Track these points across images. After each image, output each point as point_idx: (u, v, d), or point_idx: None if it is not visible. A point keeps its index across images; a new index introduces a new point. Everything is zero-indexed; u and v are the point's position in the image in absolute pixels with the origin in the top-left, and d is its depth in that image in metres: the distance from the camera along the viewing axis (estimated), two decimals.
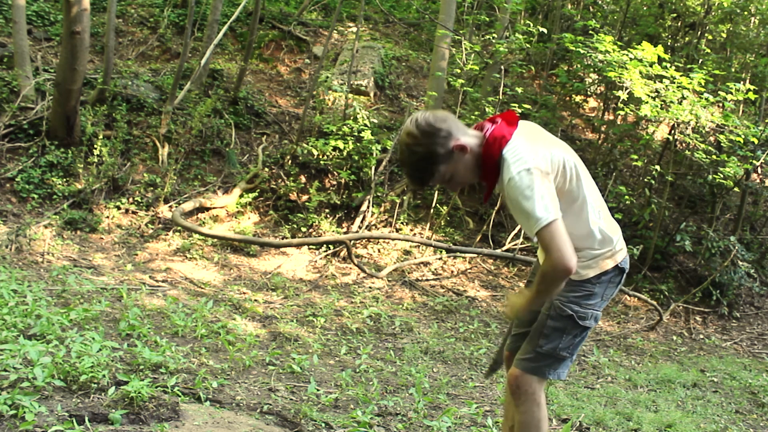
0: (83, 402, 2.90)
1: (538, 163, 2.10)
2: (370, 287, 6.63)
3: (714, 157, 7.56)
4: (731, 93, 7.19)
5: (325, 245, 7.20)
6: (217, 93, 8.65)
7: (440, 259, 7.50)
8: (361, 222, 7.67)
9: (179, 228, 6.89)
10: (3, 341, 3.36)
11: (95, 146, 7.06)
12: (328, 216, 7.69)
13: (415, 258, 7.46)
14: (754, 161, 7.76)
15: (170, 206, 7.24)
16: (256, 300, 5.63)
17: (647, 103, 7.15)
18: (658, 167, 7.86)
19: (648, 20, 10.08)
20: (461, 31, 9.14)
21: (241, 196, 7.65)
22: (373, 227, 7.77)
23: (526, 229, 2.12)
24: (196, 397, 3.25)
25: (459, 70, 8.33)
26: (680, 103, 7.24)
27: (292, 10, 11.63)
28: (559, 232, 2.05)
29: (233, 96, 8.68)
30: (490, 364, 2.74)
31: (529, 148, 2.13)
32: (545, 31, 8.43)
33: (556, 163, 2.17)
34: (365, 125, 8.01)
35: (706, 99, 7.23)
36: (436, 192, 7.94)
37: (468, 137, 2.21)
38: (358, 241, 7.45)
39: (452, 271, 7.49)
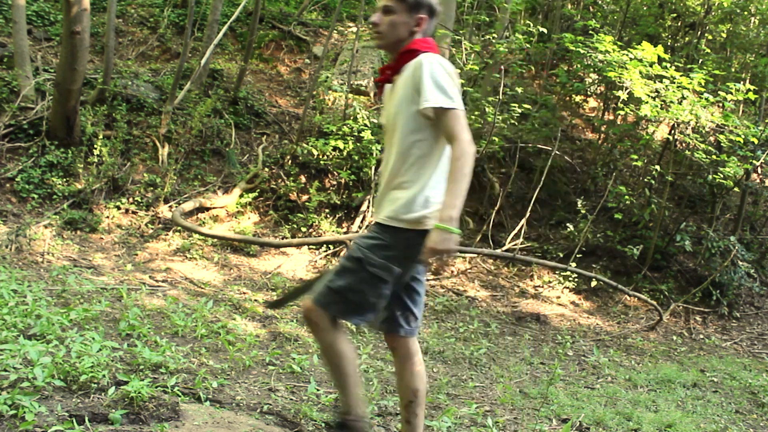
0: (83, 402, 2.90)
1: (451, 74, 2.31)
2: None
3: (714, 157, 7.56)
4: (731, 93, 7.19)
5: (325, 245, 7.20)
6: (217, 93, 8.65)
7: None
8: (361, 222, 7.67)
9: (179, 228, 6.89)
10: (3, 341, 3.36)
11: (95, 146, 7.06)
12: (328, 216, 7.69)
13: None
14: (754, 161, 7.76)
15: (170, 206, 7.24)
16: (256, 300, 5.63)
17: (647, 103, 7.16)
18: (658, 167, 7.86)
19: (648, 20, 10.08)
20: (461, 31, 9.14)
21: (241, 196, 7.65)
22: None
23: (428, 98, 2.24)
24: (196, 397, 3.25)
25: (459, 70, 8.33)
26: (680, 103, 7.24)
27: (292, 10, 11.63)
28: (465, 121, 2.25)
29: (233, 96, 8.68)
30: (282, 295, 2.78)
31: (447, 72, 2.32)
32: (545, 31, 8.43)
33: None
34: (365, 125, 8.01)
35: (706, 99, 7.23)
36: None
37: (424, 33, 2.45)
38: None
39: (452, 271, 7.49)
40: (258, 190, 7.80)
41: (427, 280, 7.14)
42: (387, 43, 2.45)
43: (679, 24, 10.34)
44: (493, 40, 8.18)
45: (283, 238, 7.29)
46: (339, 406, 2.50)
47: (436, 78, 2.25)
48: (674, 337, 6.83)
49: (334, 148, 7.96)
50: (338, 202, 7.78)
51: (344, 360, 2.43)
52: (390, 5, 2.41)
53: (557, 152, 8.32)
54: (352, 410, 2.46)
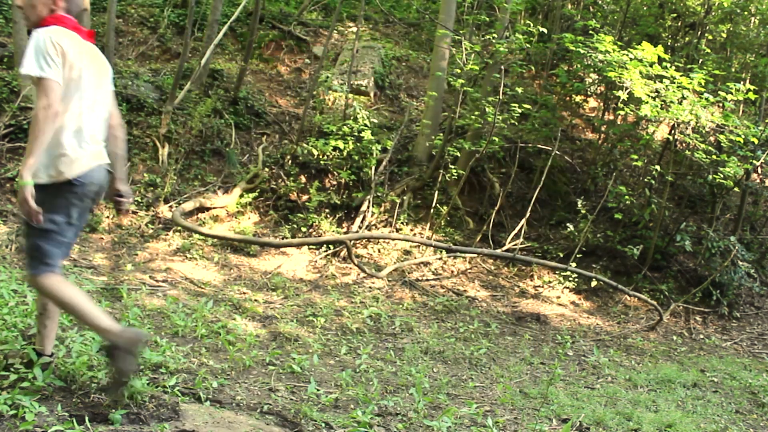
0: (83, 402, 2.90)
1: (59, 44, 2.59)
2: (370, 287, 6.63)
3: (714, 157, 7.56)
4: (731, 93, 7.19)
5: (325, 245, 7.20)
6: (217, 93, 8.64)
7: (440, 259, 7.50)
8: (361, 222, 7.67)
9: (179, 228, 6.89)
10: (3, 341, 3.36)
11: None
12: (328, 216, 7.69)
13: (415, 258, 7.46)
14: (754, 161, 7.76)
15: (170, 206, 7.24)
16: (256, 300, 5.63)
17: (647, 103, 7.15)
18: (658, 167, 7.86)
19: (648, 20, 10.08)
20: (461, 31, 9.14)
21: (241, 196, 7.65)
22: (373, 227, 7.77)
23: (25, 68, 2.56)
24: (196, 397, 3.25)
25: (459, 70, 8.33)
26: (680, 103, 7.24)
27: (292, 10, 11.63)
28: (54, 89, 2.55)
29: (233, 96, 8.68)
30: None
31: (62, 36, 2.63)
32: (545, 31, 8.43)
33: (69, 57, 2.62)
34: (365, 125, 8.01)
35: (706, 99, 7.22)
36: (437, 192, 7.94)
37: (66, 11, 2.75)
38: (358, 241, 7.45)
39: (452, 271, 7.49)
40: (258, 190, 7.80)
41: (427, 280, 7.15)
42: (31, 23, 2.75)
43: (679, 24, 10.34)
44: (493, 40, 8.18)
45: (283, 238, 7.29)
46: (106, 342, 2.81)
47: (38, 47, 2.55)
48: (674, 337, 6.84)
49: (334, 148, 7.96)
50: (338, 202, 7.78)
51: (73, 298, 2.75)
52: None
53: (557, 152, 8.32)
54: (115, 337, 2.76)
